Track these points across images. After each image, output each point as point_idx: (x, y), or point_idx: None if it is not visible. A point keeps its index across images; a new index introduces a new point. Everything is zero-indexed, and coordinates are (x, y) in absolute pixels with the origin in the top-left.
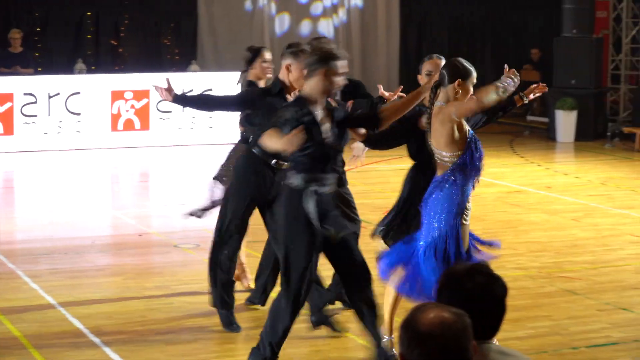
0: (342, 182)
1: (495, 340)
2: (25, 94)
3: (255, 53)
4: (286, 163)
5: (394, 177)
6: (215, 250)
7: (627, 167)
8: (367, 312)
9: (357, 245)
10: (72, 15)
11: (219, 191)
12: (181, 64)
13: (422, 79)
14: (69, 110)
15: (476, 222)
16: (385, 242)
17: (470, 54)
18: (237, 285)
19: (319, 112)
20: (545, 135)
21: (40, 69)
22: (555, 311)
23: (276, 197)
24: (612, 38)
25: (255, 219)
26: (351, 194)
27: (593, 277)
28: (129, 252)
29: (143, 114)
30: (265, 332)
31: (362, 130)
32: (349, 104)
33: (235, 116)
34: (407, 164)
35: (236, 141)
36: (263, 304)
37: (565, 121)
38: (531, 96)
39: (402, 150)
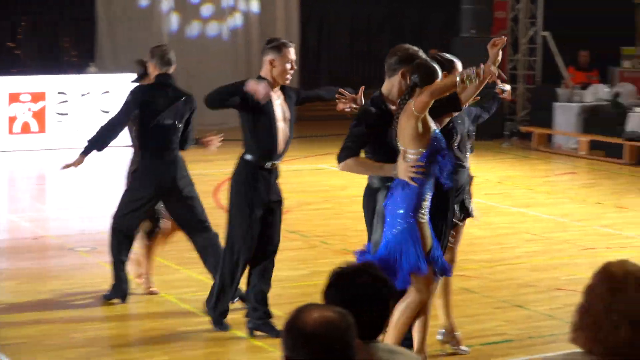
0: None
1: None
2: None
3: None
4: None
5: (292, 178)
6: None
7: (524, 166)
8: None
9: None
10: None
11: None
12: (79, 66)
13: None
14: None
15: None
16: None
17: (370, 54)
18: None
19: (395, 110)
20: None
21: None
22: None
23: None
24: (510, 38)
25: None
26: None
27: (489, 275)
28: (23, 256)
29: (40, 116)
30: None
31: None
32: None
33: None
34: (305, 164)
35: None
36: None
37: None
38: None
39: (298, 152)
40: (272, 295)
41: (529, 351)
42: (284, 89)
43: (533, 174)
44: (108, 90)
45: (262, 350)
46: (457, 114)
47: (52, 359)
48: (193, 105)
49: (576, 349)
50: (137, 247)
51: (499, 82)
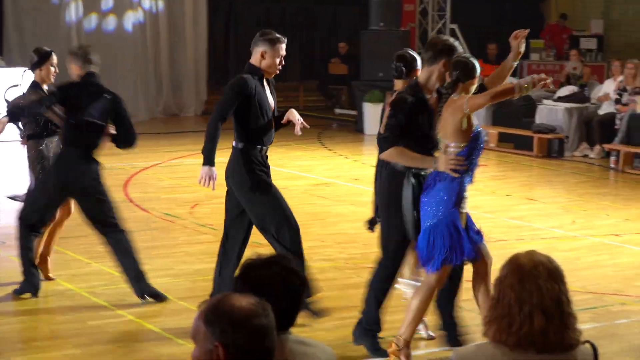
0: None
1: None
2: None
3: (44, 56)
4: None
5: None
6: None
7: None
8: None
9: None
10: None
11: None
12: None
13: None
14: None
15: None
16: None
17: None
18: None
19: (430, 99)
20: (353, 128)
21: None
22: (362, 302)
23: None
24: (419, 31)
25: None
26: None
27: None
28: None
29: None
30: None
31: None
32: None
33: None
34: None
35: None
36: None
37: (373, 114)
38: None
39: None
40: (182, 289)
41: (441, 342)
42: (268, 80)
43: None
44: (17, 84)
45: (173, 343)
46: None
47: None
48: (120, 105)
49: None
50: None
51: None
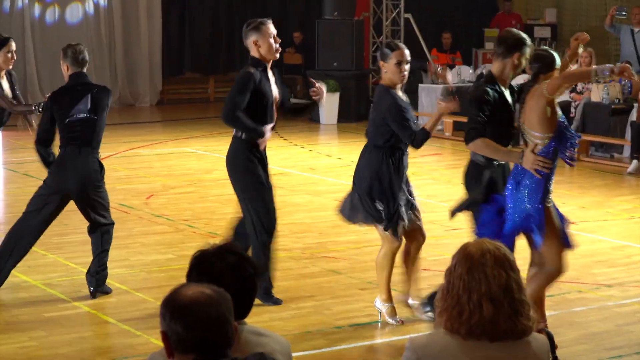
0: None
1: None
2: None
3: (2, 43)
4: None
5: (156, 162)
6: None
7: None
8: None
9: None
10: None
11: None
12: None
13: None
14: None
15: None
16: None
17: (231, 38)
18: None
19: (506, 92)
20: (309, 118)
21: None
22: (318, 291)
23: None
24: (373, 20)
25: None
26: None
27: (356, 256)
28: None
29: None
30: None
31: None
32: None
33: None
34: (169, 148)
35: None
36: None
37: (328, 103)
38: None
39: (162, 135)
40: (138, 280)
41: (396, 332)
42: (273, 69)
43: None
44: None
45: (130, 334)
46: None
47: None
48: (100, 96)
49: (442, 329)
50: None
51: None
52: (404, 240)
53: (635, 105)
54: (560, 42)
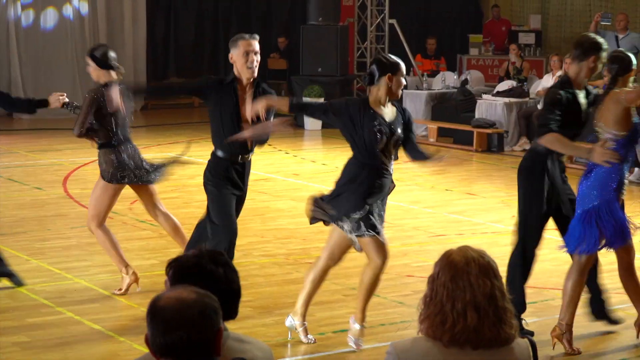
0: None
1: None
2: None
3: None
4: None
5: None
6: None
7: None
8: None
9: None
10: None
11: None
12: None
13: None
14: None
15: None
16: None
17: (215, 43)
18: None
19: (580, 94)
20: (295, 124)
21: None
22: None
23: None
24: (358, 26)
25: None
26: None
27: (339, 262)
28: None
29: None
30: None
31: None
32: None
33: None
34: (154, 153)
35: None
36: None
37: None
38: None
39: (147, 140)
40: None
41: (380, 338)
42: (258, 85)
43: None
44: None
45: (113, 339)
46: None
47: None
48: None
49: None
50: None
51: None
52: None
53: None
54: (545, 48)
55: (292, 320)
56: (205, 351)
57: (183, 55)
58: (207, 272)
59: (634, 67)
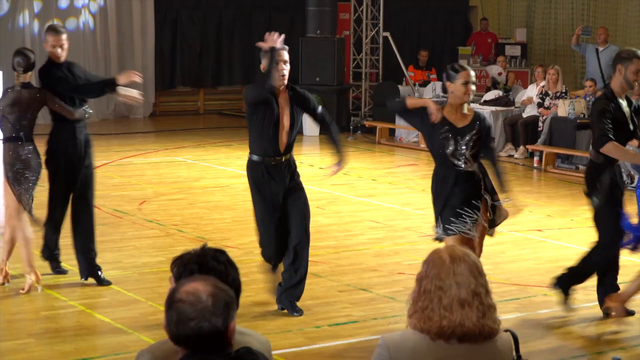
0: None
1: None
2: None
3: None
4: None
5: (149, 170)
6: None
7: (368, 158)
8: None
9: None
10: None
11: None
12: None
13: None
14: None
15: (227, 211)
16: None
17: (220, 53)
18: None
19: (623, 103)
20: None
21: None
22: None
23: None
24: (353, 38)
25: None
26: None
27: (335, 260)
28: None
29: None
30: None
31: None
32: None
33: None
34: (161, 157)
35: None
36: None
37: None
38: None
39: (154, 145)
40: (131, 281)
41: (372, 331)
42: (293, 90)
43: (376, 165)
44: None
45: (122, 332)
46: None
47: None
48: None
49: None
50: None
51: None
52: None
53: None
54: (530, 60)
55: None
56: (218, 342)
57: (189, 65)
58: (208, 268)
59: None
